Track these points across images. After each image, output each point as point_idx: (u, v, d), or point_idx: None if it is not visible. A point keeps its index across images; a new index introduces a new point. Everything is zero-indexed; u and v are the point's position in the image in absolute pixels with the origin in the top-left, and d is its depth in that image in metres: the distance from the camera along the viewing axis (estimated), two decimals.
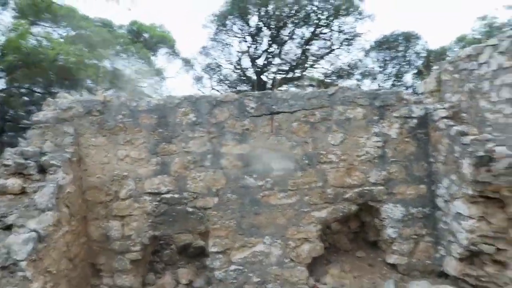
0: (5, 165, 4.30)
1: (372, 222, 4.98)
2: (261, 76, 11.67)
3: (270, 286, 4.72)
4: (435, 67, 5.46)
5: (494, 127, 4.10)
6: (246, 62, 12.26)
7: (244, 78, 12.13)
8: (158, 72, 13.34)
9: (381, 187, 4.81)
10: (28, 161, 4.42)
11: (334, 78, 12.48)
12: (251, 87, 11.06)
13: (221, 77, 12.72)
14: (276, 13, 10.48)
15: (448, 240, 4.44)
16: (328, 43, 11.97)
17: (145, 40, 15.23)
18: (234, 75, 12.66)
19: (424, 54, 12.93)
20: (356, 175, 4.84)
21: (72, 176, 4.57)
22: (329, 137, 4.90)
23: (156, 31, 15.98)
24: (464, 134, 4.25)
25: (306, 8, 11.01)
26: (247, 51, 11.80)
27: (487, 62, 4.28)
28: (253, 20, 11.53)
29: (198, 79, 13.30)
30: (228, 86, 12.85)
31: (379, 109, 4.96)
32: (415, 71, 12.91)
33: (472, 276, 4.24)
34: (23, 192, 4.30)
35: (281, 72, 12.09)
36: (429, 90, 5.49)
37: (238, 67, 12.31)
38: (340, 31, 11.56)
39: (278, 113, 4.91)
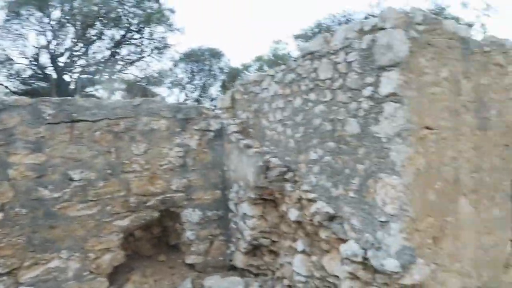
0: None
1: (174, 226, 5.34)
2: (63, 76, 10.65)
3: None
4: (232, 88, 6.27)
5: (270, 142, 5.03)
6: (44, 59, 10.98)
7: (42, 75, 10.82)
8: None
9: (182, 194, 5.22)
10: None
11: (145, 83, 12.48)
12: (49, 86, 9.95)
13: (12, 71, 10.97)
14: (84, 10, 9.78)
15: (236, 238, 5.19)
16: (139, 49, 11.92)
17: None
18: (29, 71, 11.13)
19: (227, 70, 14.34)
20: (159, 183, 5.11)
21: None
22: (133, 147, 5.02)
23: None
24: (249, 146, 5.06)
25: (117, 10, 10.68)
26: (47, 46, 10.58)
27: (267, 88, 5.22)
28: (55, 14, 10.47)
29: None
30: (21, 83, 11.19)
31: (181, 121, 5.37)
32: (219, 84, 14.17)
33: (254, 266, 5.08)
34: None
35: (86, 73, 11.32)
36: (225, 106, 6.26)
37: (35, 62, 10.90)
38: (151, 39, 11.68)
39: (79, 121, 4.74)
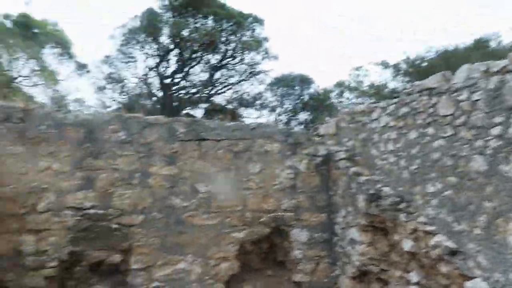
0: None
1: (282, 244, 5.68)
2: (168, 95, 11.77)
3: None
4: (335, 118, 6.55)
5: (381, 171, 5.20)
6: (151, 79, 12.26)
7: (150, 94, 12.07)
8: (51, 74, 12.38)
9: (291, 214, 5.56)
10: None
11: (236, 105, 13.32)
12: (157, 104, 11.08)
13: (124, 89, 12.39)
14: (191, 36, 10.82)
15: (343, 262, 5.38)
16: (234, 72, 12.78)
17: (35, 36, 13.98)
18: (138, 89, 12.47)
19: (315, 95, 14.73)
20: (271, 201, 5.50)
21: None
22: (250, 166, 5.49)
23: (48, 28, 14.80)
24: (359, 174, 5.28)
25: (217, 37, 11.63)
26: (156, 68, 11.81)
27: (377, 118, 5.42)
28: (163, 39, 11.70)
29: (101, 88, 12.70)
30: (130, 100, 12.56)
31: (291, 145, 5.76)
32: (308, 109, 14.58)
33: None
34: None
35: (188, 94, 12.37)
36: (329, 133, 6.55)
37: (144, 82, 12.20)
38: (247, 64, 12.46)
39: (205, 139, 5.33)
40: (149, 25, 10.83)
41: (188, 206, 5.14)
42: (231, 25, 11.76)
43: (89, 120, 4.89)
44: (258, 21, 13.21)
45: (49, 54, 14.06)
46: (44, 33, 14.84)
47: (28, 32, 14.06)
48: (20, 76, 12.76)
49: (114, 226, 4.85)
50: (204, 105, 12.41)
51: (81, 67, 15.40)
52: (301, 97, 14.83)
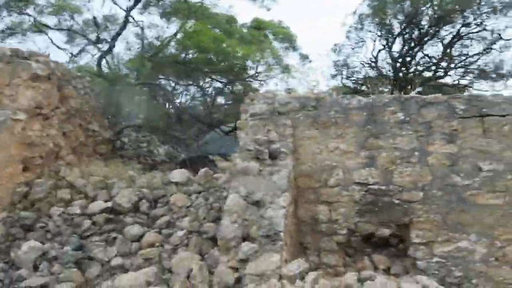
0: (248, 150, 4.98)
1: None
2: (399, 75, 11.62)
3: (474, 281, 4.93)
4: None
5: None
6: (382, 61, 12.32)
7: (380, 75, 12.21)
8: (286, 67, 13.88)
9: None
10: (261, 148, 5.07)
11: (474, 78, 11.94)
12: (389, 87, 11.12)
13: (354, 74, 12.91)
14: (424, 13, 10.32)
15: None
16: (472, 43, 11.40)
17: (266, 36, 15.81)
18: (370, 73, 12.74)
19: None
20: None
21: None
22: None
23: (277, 28, 16.48)
24: None
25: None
26: (388, 49, 11.79)
27: None
28: (393, 20, 11.50)
29: (333, 76, 13.64)
30: (354, 83, 13.00)
31: None
32: None
33: None
34: (259, 173, 4.96)
35: (421, 72, 11.89)
36: None
37: (374, 65, 12.41)
38: (490, 31, 10.94)
39: (488, 115, 5.03)
40: (379, 6, 10.85)
41: (470, 185, 5.00)
42: None
43: (370, 103, 5.31)
44: None
45: (279, 49, 15.72)
46: (273, 32, 16.60)
47: (261, 33, 16.01)
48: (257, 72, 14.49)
49: (395, 201, 5.16)
50: (437, 82, 11.65)
51: (304, 57, 16.63)
52: None
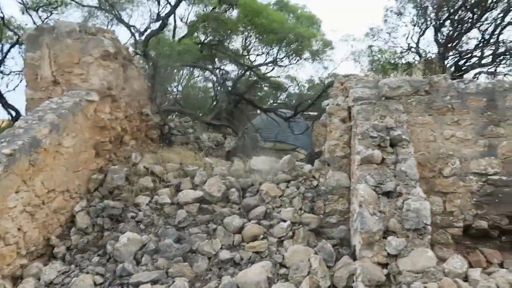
0: (372, 137, 4.65)
1: None
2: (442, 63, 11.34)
3: None
4: None
5: None
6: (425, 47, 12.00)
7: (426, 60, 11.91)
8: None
9: None
10: (383, 134, 4.74)
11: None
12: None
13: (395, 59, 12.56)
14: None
15: None
16: None
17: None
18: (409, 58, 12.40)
19: None
20: None
21: None
22: None
23: (300, 11, 15.95)
24: None
25: None
26: (435, 33, 11.40)
27: None
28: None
29: (371, 62, 13.21)
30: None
31: None
32: None
33: None
34: (381, 162, 4.64)
35: (466, 59, 11.57)
36: None
37: (416, 50, 12.07)
38: None
39: None
40: None
41: None
42: None
43: (490, 88, 5.01)
44: None
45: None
46: (297, 15, 16.05)
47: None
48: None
49: None
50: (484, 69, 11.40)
51: (327, 44, 16.15)
52: None
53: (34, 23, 10.66)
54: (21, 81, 11.63)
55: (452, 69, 11.43)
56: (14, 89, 11.65)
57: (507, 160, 4.94)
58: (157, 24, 9.10)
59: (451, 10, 10.91)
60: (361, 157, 4.53)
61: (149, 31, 9.37)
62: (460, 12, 10.66)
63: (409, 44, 12.09)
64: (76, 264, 4.72)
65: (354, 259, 4.44)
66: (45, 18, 11.21)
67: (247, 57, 10.70)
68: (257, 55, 10.93)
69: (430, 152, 5.09)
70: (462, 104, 5.03)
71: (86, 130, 5.86)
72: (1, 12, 10.28)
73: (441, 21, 10.98)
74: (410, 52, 11.99)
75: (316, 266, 4.46)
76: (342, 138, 5.62)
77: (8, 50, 10.83)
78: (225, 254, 4.73)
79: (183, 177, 5.99)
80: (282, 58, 9.95)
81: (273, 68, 11.32)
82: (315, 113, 10.27)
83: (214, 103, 10.69)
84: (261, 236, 5.03)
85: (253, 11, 8.97)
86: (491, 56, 10.98)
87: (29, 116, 5.19)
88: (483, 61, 11.14)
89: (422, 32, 12.10)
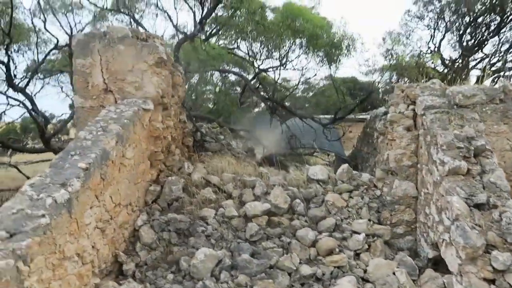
0: (459, 148, 4.55)
1: None
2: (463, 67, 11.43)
3: None
4: None
5: None
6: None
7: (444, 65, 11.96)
8: None
9: None
10: (467, 145, 4.64)
11: None
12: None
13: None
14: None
15: None
16: None
17: None
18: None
19: None
20: None
21: None
22: None
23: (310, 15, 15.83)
24: None
25: None
26: (458, 38, 11.47)
27: None
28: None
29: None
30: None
31: None
32: None
33: None
34: (467, 173, 4.54)
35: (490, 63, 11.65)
36: None
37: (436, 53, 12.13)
38: None
39: None
40: None
41: None
42: None
43: None
44: None
45: None
46: (305, 19, 15.90)
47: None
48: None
49: None
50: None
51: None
52: None
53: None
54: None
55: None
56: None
57: None
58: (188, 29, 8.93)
59: (475, 15, 10.98)
60: (448, 168, 4.42)
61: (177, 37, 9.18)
62: (485, 15, 10.74)
63: (429, 47, 12.13)
64: (150, 282, 4.51)
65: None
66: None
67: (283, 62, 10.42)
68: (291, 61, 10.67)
69: (506, 161, 5.02)
70: None
71: (143, 141, 5.64)
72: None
73: (466, 24, 11.04)
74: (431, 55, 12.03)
75: (404, 280, 4.36)
76: (409, 147, 5.52)
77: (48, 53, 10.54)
78: (306, 269, 4.58)
79: (243, 188, 5.81)
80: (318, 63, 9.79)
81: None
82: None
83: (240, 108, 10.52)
84: (337, 250, 4.89)
85: (294, 14, 8.81)
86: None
87: (92, 127, 4.95)
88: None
89: (443, 36, 12.19)
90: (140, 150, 5.51)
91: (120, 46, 5.79)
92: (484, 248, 3.86)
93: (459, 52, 11.57)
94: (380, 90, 12.15)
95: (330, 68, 9.10)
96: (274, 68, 10.19)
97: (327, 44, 8.59)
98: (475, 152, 4.65)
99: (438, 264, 4.87)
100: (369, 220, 5.41)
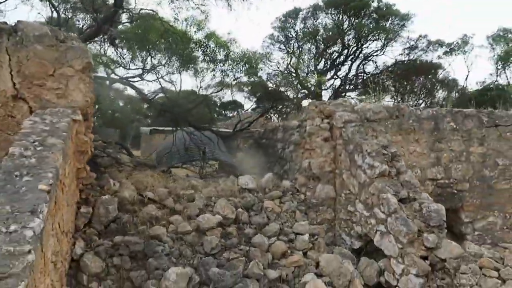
0: (384, 154, 5.56)
1: None
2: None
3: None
4: None
5: None
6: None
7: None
8: None
9: None
10: (386, 151, 5.71)
11: None
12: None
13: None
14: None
15: None
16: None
17: None
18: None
19: None
20: None
21: None
22: None
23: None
24: None
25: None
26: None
27: None
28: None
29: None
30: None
31: None
32: None
33: None
34: (388, 175, 5.61)
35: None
36: None
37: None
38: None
39: (498, 125, 7.09)
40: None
41: (493, 176, 6.94)
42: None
43: (435, 114, 6.63)
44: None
45: None
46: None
47: None
48: None
49: (453, 191, 6.67)
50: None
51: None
52: None
53: None
54: None
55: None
56: None
57: (447, 168, 6.64)
58: None
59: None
60: (378, 171, 5.38)
61: None
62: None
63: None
64: None
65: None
66: None
67: None
68: None
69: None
70: (420, 126, 6.50)
71: (71, 156, 4.89)
72: None
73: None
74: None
75: (352, 269, 5.08)
76: (329, 155, 6.38)
77: None
78: (273, 273, 4.84)
79: (186, 202, 5.64)
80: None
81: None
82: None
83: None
84: (289, 251, 5.31)
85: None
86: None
87: (23, 141, 4.08)
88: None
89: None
90: (70, 167, 4.77)
91: (37, 46, 4.91)
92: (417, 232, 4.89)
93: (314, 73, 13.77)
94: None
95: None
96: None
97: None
98: (391, 157, 5.77)
99: (360, 253, 5.81)
100: (304, 221, 6.00)
